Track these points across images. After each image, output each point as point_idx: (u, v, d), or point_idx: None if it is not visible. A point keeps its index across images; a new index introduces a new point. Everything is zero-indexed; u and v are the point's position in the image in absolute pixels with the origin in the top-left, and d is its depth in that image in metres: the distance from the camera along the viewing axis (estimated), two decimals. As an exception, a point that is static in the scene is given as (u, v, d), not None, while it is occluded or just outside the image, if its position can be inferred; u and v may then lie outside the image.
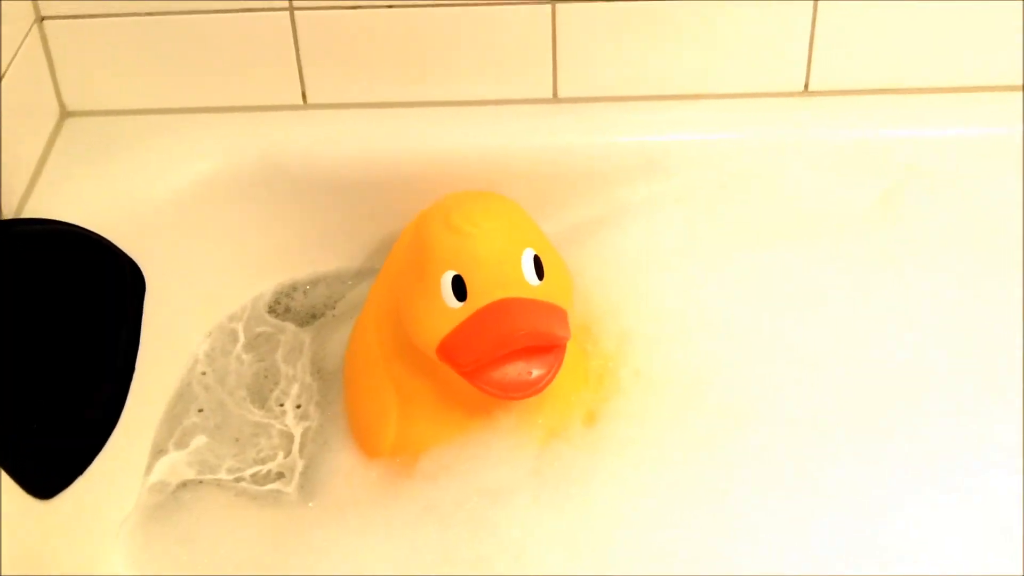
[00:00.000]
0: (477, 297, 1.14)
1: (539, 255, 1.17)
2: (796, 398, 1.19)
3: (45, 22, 1.35)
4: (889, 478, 1.13)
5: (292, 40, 1.36)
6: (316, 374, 1.35)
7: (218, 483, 1.25)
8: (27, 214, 1.27)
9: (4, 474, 1.08)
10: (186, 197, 1.35)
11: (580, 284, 1.27)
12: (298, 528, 1.18)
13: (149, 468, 1.27)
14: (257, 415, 1.32)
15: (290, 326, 1.41)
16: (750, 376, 1.21)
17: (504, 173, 1.35)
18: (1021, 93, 1.38)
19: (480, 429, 1.19)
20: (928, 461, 1.14)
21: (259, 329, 1.41)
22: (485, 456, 1.18)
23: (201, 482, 1.26)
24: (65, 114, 1.41)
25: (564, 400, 1.21)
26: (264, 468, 1.27)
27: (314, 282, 1.45)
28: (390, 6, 1.34)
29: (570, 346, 1.16)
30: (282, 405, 1.33)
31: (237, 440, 1.30)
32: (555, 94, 1.40)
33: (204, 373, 1.36)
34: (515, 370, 1.13)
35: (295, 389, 1.34)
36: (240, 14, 1.34)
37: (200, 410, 1.32)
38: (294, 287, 1.45)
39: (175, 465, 1.27)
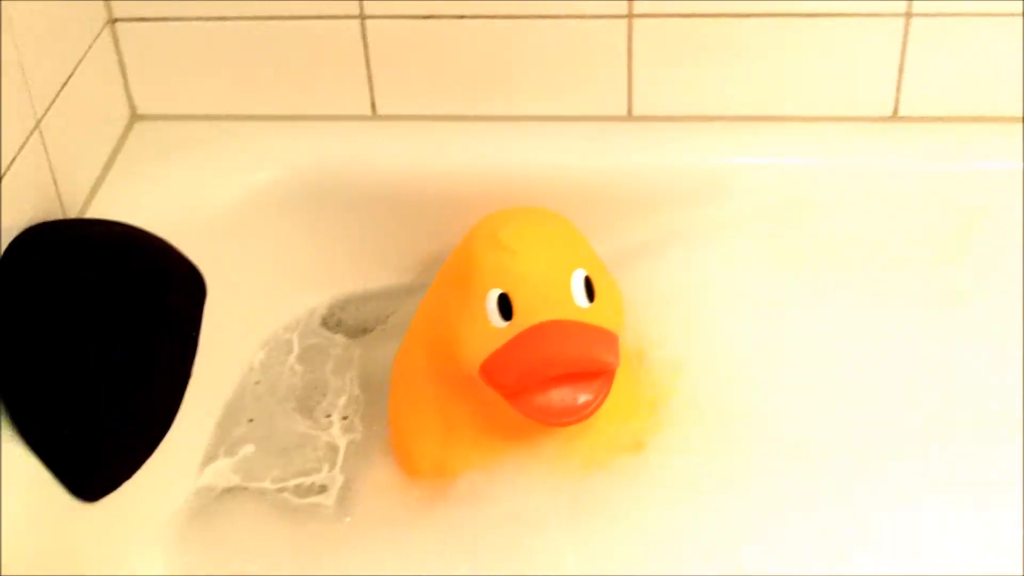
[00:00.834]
0: (523, 317, 1.11)
1: (590, 276, 1.14)
2: (853, 435, 1.16)
3: (117, 24, 1.36)
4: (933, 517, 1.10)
5: (363, 50, 1.36)
6: (364, 387, 1.35)
7: (261, 492, 1.25)
8: (90, 215, 1.28)
9: (48, 472, 1.08)
10: (248, 205, 1.35)
11: (633, 308, 1.23)
12: (332, 542, 1.18)
13: (199, 473, 1.26)
14: (304, 425, 1.32)
15: (341, 339, 1.40)
16: (805, 413, 1.17)
17: (568, 191, 1.32)
18: None
19: (521, 454, 1.16)
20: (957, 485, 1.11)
21: (311, 341, 1.40)
22: (524, 482, 1.15)
23: (246, 489, 1.25)
24: (135, 117, 1.42)
25: (610, 429, 1.18)
26: (308, 480, 1.26)
27: (369, 295, 1.44)
28: (461, 17, 1.33)
29: (619, 373, 1.13)
30: (329, 416, 1.33)
31: (284, 450, 1.29)
32: (630, 112, 1.38)
33: (258, 383, 1.36)
34: (559, 395, 1.10)
35: (343, 401, 1.34)
36: (311, 21, 1.34)
37: (251, 420, 1.32)
38: (348, 300, 1.44)
39: (222, 471, 1.27)
